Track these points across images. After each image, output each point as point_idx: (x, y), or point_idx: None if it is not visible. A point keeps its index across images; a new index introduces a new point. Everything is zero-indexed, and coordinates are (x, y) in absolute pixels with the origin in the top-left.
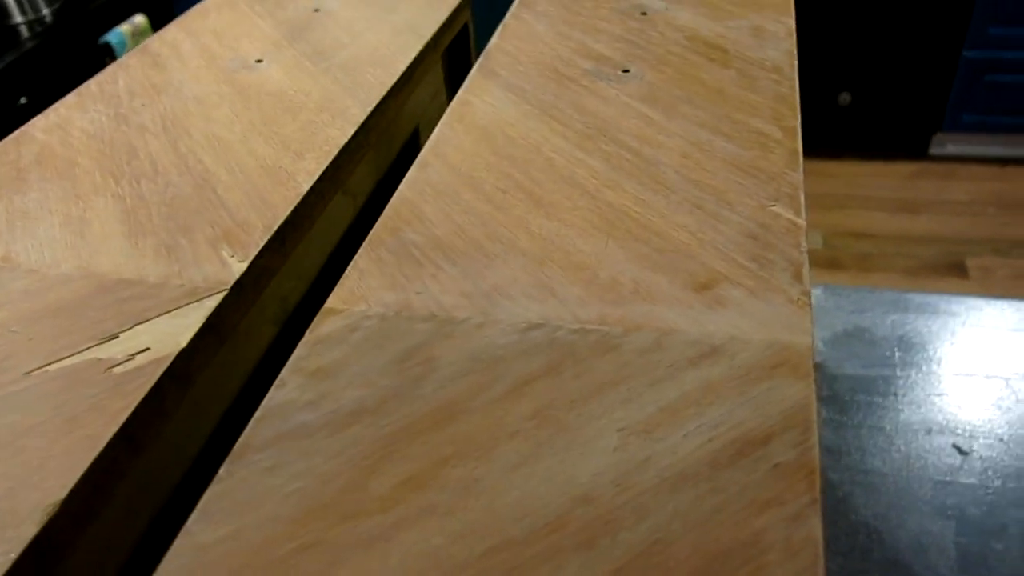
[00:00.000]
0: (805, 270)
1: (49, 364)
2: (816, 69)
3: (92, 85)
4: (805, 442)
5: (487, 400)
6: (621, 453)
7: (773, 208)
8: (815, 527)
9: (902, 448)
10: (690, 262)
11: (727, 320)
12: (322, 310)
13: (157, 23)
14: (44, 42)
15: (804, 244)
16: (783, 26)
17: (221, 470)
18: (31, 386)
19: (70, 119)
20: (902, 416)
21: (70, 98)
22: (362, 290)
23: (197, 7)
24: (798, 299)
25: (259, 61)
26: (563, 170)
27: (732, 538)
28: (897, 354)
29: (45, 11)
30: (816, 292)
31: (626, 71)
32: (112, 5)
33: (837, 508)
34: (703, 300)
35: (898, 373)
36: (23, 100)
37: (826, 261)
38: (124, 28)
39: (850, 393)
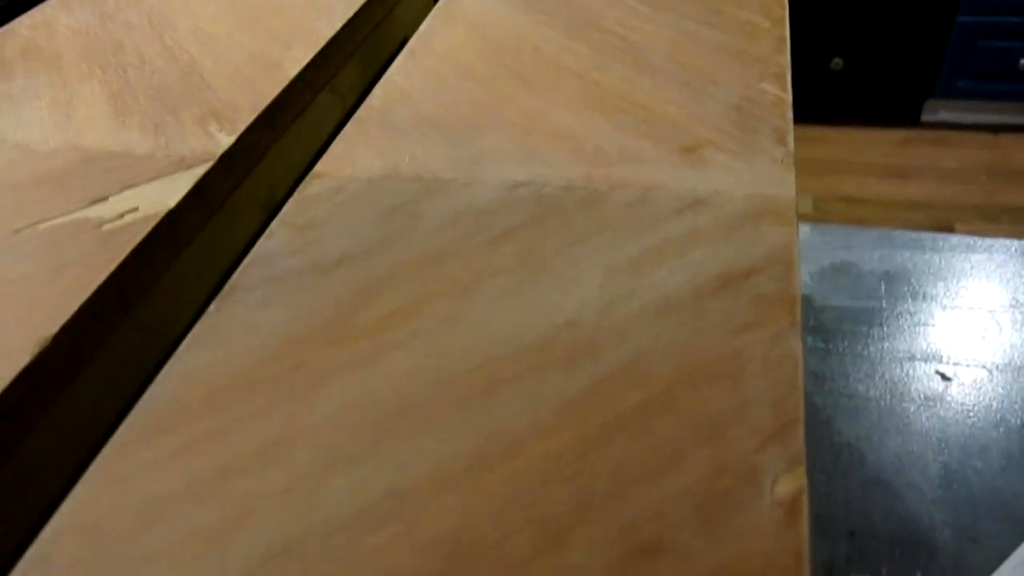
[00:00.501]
0: (790, 136)
1: (38, 223)
2: (809, 34)
3: None
4: (786, 277)
5: (472, 247)
6: (605, 287)
7: (760, 85)
8: (795, 345)
9: (886, 374)
10: (676, 130)
11: (712, 177)
12: (309, 175)
13: None
14: None
15: (789, 115)
16: None
17: (211, 307)
18: (20, 242)
19: (55, 17)
20: (887, 345)
21: (54, 0)
22: (349, 158)
23: None
24: (782, 159)
25: None
26: (551, 56)
27: (713, 355)
28: (883, 287)
29: None
30: (804, 229)
31: None
32: None
33: (821, 430)
34: (688, 161)
35: (884, 305)
36: None
37: None
38: None
39: (836, 323)
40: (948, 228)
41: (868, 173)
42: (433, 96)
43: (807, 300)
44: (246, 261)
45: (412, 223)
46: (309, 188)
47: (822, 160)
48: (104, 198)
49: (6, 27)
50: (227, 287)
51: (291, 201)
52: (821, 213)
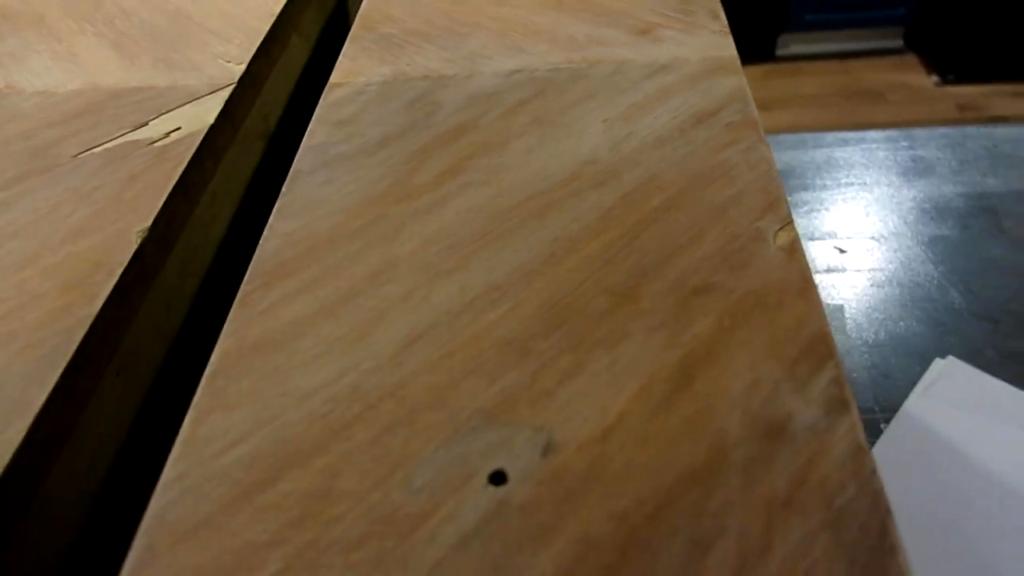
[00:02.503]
0: (721, 13)
1: (92, 148)
2: None
3: None
4: (746, 110)
5: (491, 119)
6: (608, 133)
7: None
8: (766, 151)
9: None
10: (630, 19)
11: (668, 50)
12: (328, 85)
13: None
14: None
15: None
16: None
17: (283, 188)
18: (82, 163)
19: None
20: None
21: None
22: (358, 68)
23: None
24: (720, 31)
25: None
26: None
27: (706, 165)
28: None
29: None
30: None
31: None
32: None
33: None
34: (646, 40)
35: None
36: None
37: None
38: None
39: None
40: None
41: None
42: (412, 14)
43: None
44: (300, 153)
45: (433, 109)
46: (332, 95)
47: None
48: (145, 123)
49: None
50: (291, 173)
51: (319, 108)
52: None
